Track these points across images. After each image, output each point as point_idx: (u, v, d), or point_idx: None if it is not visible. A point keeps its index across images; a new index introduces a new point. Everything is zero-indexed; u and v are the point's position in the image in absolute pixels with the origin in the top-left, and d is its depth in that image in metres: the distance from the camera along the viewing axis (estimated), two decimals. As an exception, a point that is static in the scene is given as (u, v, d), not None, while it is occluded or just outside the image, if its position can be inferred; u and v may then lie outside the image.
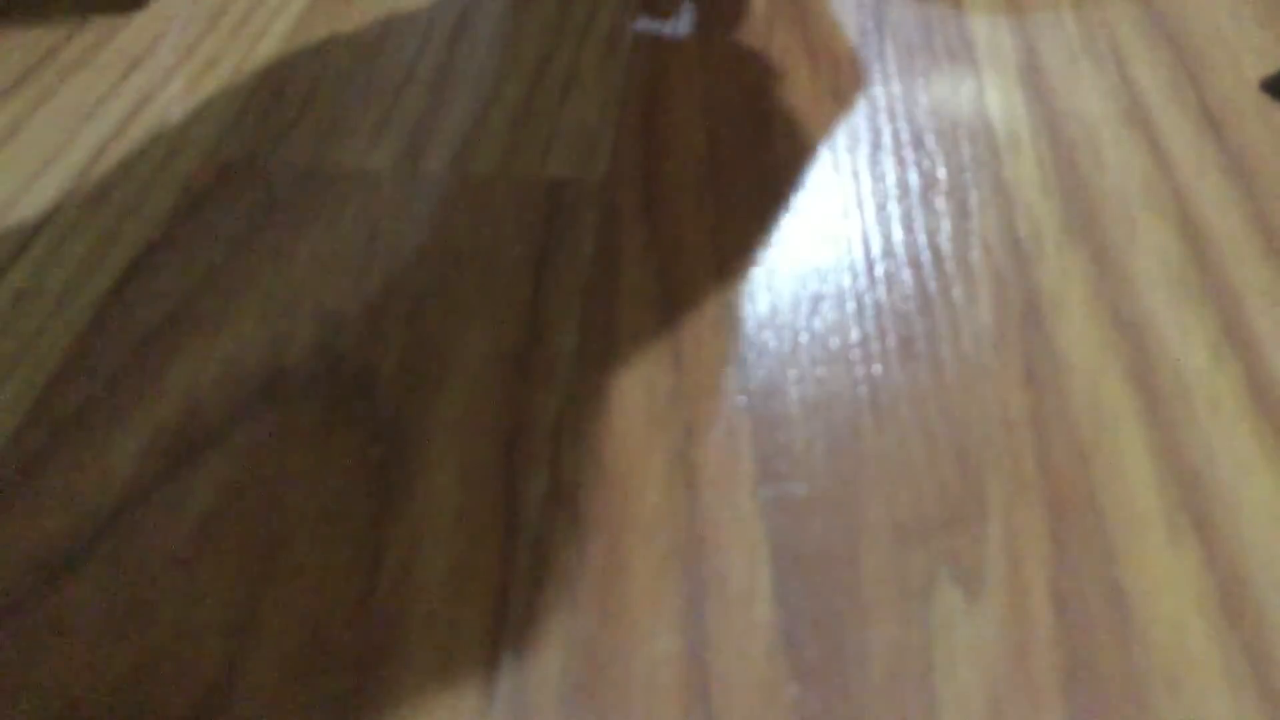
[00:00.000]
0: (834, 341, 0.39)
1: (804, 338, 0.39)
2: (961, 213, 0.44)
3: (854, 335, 0.39)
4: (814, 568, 0.32)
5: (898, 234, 0.43)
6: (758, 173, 0.46)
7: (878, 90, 0.51)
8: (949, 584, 0.31)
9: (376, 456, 0.35)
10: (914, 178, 0.46)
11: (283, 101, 0.51)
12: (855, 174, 0.46)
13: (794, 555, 0.32)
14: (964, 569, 0.32)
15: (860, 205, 0.44)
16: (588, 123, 0.49)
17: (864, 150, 0.47)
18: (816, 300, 0.40)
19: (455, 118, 0.50)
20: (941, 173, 0.46)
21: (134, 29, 0.56)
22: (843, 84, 0.52)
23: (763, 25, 0.56)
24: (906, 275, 0.41)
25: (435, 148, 0.48)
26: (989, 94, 0.50)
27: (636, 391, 0.37)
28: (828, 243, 0.43)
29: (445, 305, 0.40)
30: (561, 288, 0.41)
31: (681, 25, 0.56)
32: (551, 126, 0.49)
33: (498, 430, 0.36)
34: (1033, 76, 0.51)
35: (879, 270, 0.41)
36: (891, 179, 0.46)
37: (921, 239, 0.43)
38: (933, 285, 0.41)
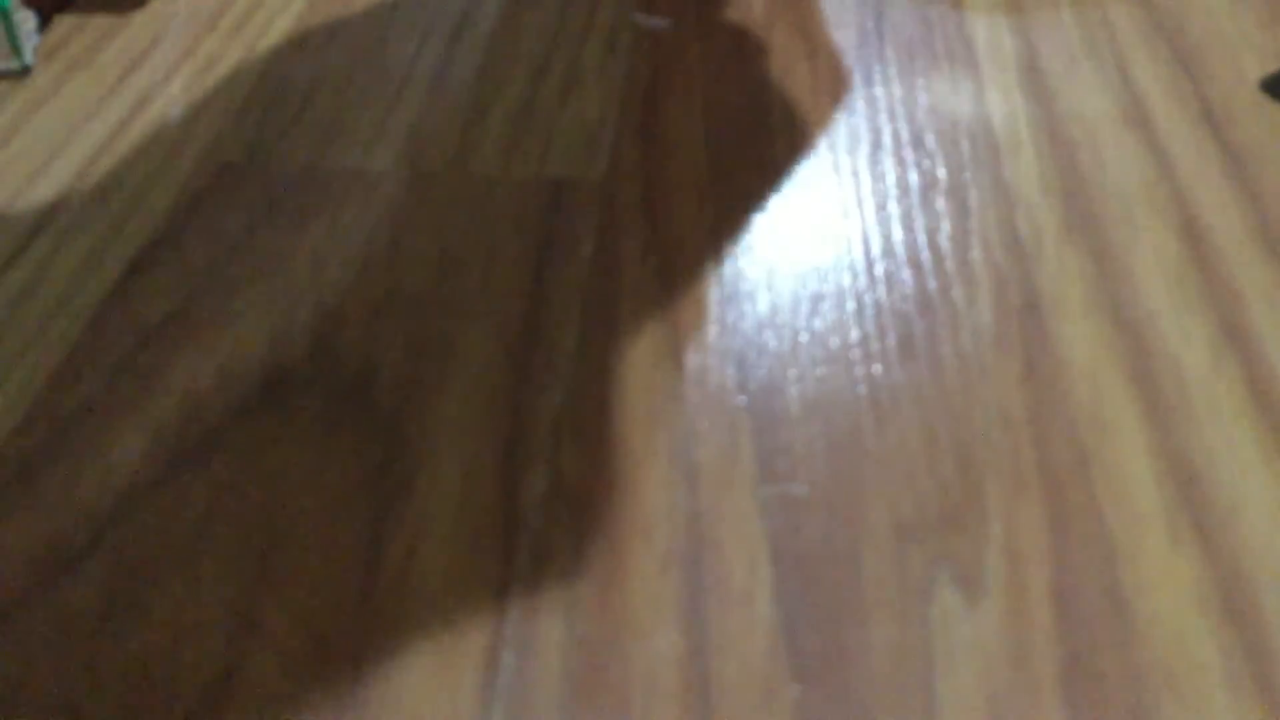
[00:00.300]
0: (834, 341, 0.39)
1: (804, 337, 0.39)
2: (961, 212, 0.44)
3: (854, 335, 0.39)
4: (814, 567, 0.32)
5: (897, 234, 0.43)
6: (758, 172, 0.46)
7: (878, 90, 0.51)
8: (949, 584, 0.31)
9: (376, 456, 0.35)
10: (914, 177, 0.46)
11: (283, 101, 0.51)
12: (855, 174, 0.46)
13: (794, 555, 0.32)
14: (964, 569, 0.32)
15: (860, 205, 0.44)
16: (588, 123, 0.49)
17: (864, 150, 0.47)
18: (816, 300, 0.40)
19: (455, 117, 0.50)
20: (941, 172, 0.46)
21: (134, 29, 0.56)
22: (843, 84, 0.52)
23: (763, 26, 0.56)
24: (906, 275, 0.41)
25: (435, 147, 0.48)
26: (989, 94, 0.50)
27: (636, 391, 0.37)
28: (828, 242, 0.43)
29: (445, 305, 0.40)
30: (561, 287, 0.41)
31: (681, 23, 0.56)
32: (551, 126, 0.49)
33: (498, 430, 0.36)
34: (1033, 76, 0.52)
35: (879, 270, 0.41)
36: (891, 179, 0.46)
37: (921, 239, 0.43)
38: (933, 285, 0.41)
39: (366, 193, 0.45)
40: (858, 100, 0.50)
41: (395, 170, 0.46)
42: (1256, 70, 0.52)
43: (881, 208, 0.44)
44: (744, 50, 0.54)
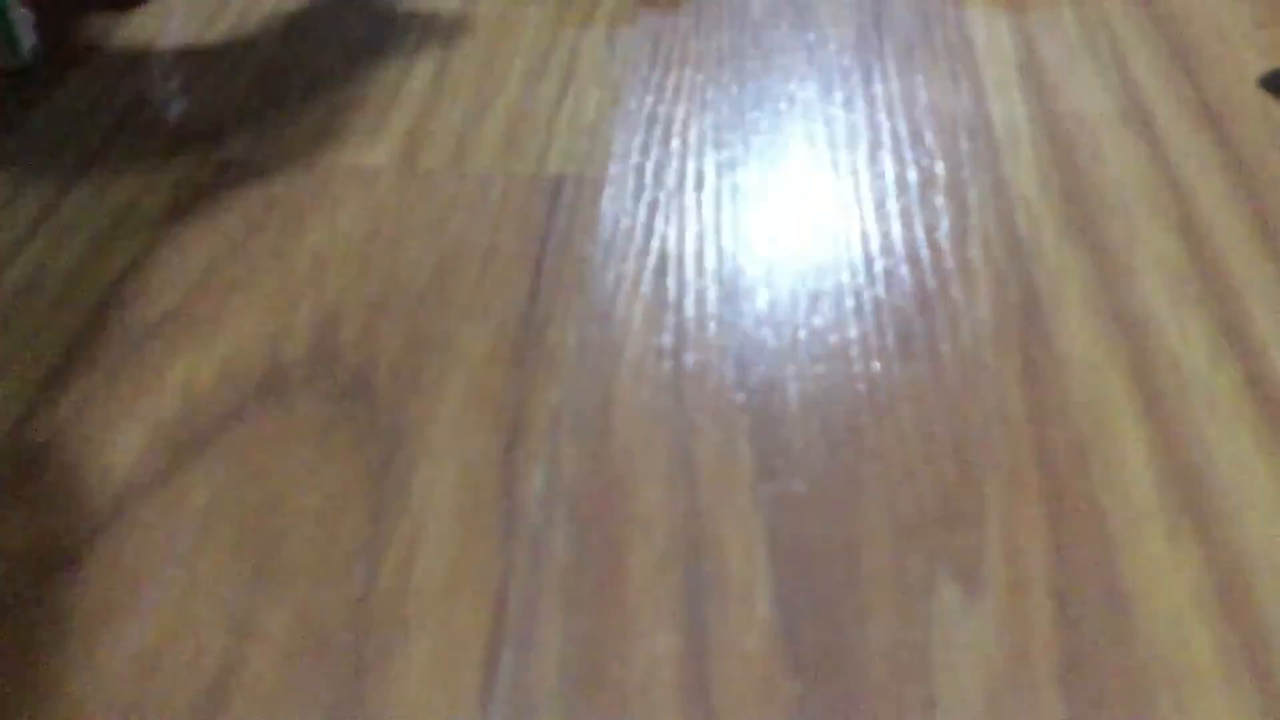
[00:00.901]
0: (833, 339, 0.39)
1: (803, 334, 0.39)
2: (960, 210, 0.44)
3: (853, 332, 0.39)
4: (814, 565, 0.32)
5: (896, 231, 0.43)
6: (756, 170, 0.46)
7: (877, 88, 0.51)
8: (948, 582, 0.31)
9: (375, 454, 0.35)
10: (913, 175, 0.46)
11: (282, 99, 0.51)
12: (854, 171, 0.46)
13: (794, 553, 0.32)
14: (963, 567, 0.32)
15: (859, 202, 0.44)
16: (587, 121, 0.49)
17: (863, 148, 0.47)
18: (815, 297, 0.40)
19: (454, 116, 0.50)
20: (940, 170, 0.46)
21: (133, 28, 0.56)
22: (842, 82, 0.51)
23: (762, 24, 0.56)
24: (905, 272, 0.41)
25: (434, 146, 0.48)
26: (988, 91, 0.50)
27: (635, 390, 0.37)
28: (827, 240, 0.43)
29: (445, 304, 0.40)
30: (561, 286, 0.41)
31: (682, 20, 0.56)
32: (551, 125, 0.49)
33: (497, 428, 0.36)
34: (1032, 74, 0.51)
35: (878, 267, 0.41)
36: (890, 176, 0.46)
37: (920, 236, 0.43)
38: (932, 283, 0.41)
39: (365, 191, 0.45)
40: (857, 98, 0.50)
41: (394, 168, 0.46)
42: (1256, 68, 0.52)
43: (880, 205, 0.44)
44: (744, 49, 0.54)
